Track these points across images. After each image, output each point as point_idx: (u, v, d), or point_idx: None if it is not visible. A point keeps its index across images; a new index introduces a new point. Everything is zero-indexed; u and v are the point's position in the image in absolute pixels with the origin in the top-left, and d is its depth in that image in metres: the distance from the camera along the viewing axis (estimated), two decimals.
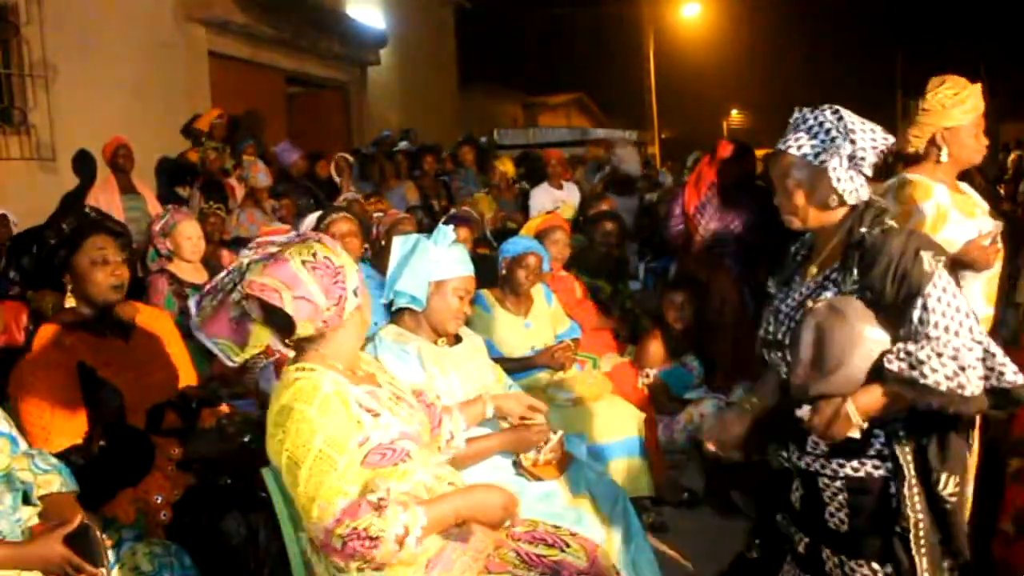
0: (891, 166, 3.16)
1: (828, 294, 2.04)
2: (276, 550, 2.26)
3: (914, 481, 1.96)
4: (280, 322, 1.87)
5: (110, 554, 2.04)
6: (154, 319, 2.76)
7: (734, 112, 39.75)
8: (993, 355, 1.88)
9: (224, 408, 2.75)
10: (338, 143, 9.55)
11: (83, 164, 6.57)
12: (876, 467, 2.00)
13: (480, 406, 2.44)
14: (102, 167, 6.43)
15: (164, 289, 3.97)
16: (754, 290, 4.74)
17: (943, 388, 1.86)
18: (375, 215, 4.65)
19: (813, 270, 2.11)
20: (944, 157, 2.72)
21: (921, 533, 1.95)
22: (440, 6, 14.78)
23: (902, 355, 1.89)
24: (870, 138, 2.01)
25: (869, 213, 2.02)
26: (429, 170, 8.02)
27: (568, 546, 2.07)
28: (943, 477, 1.94)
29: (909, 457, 1.97)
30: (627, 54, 24.28)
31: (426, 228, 4.53)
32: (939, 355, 1.87)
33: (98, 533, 1.93)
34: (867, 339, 1.92)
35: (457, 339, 2.81)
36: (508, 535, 2.07)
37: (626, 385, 3.91)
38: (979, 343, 1.88)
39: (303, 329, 1.86)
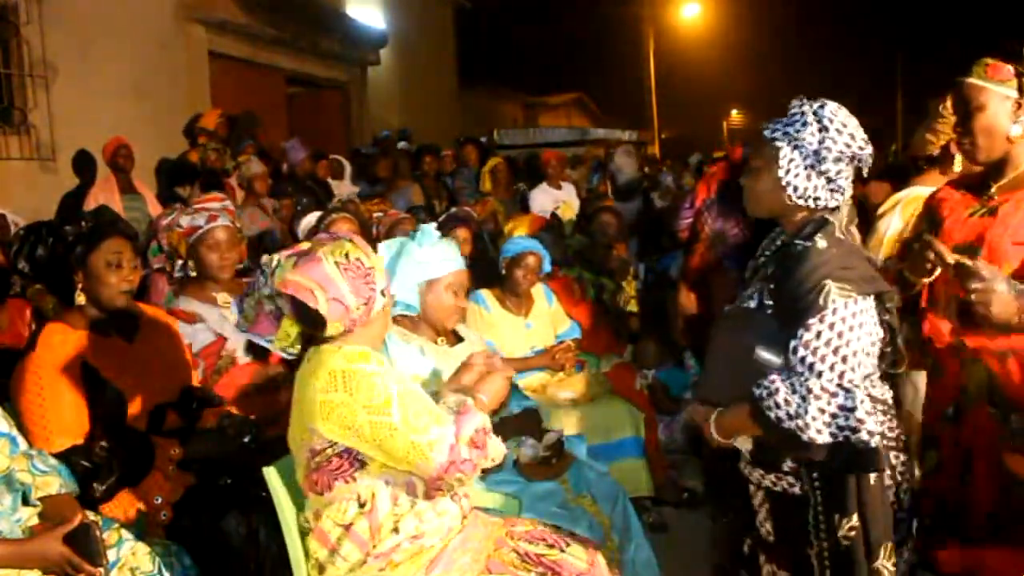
0: (903, 166, 3.15)
1: (752, 303, 1.98)
2: (276, 550, 2.26)
3: (820, 508, 1.89)
4: (311, 320, 1.89)
5: (110, 554, 2.04)
6: (157, 319, 2.76)
7: (734, 112, 39.74)
8: (853, 409, 1.78)
9: (224, 408, 2.75)
10: (338, 143, 9.55)
11: (83, 164, 6.58)
12: (791, 484, 1.93)
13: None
14: (102, 167, 6.43)
15: (164, 288, 3.96)
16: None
17: (784, 425, 1.80)
18: (375, 215, 4.65)
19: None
20: (957, 167, 2.67)
21: (827, 562, 1.88)
22: (440, 6, 14.78)
23: (766, 382, 1.84)
24: (843, 142, 1.88)
25: (814, 224, 1.92)
26: (429, 170, 8.02)
27: (568, 546, 2.07)
28: (835, 517, 1.86)
29: (817, 484, 1.89)
30: (627, 54, 24.30)
31: None
32: (791, 391, 1.80)
33: (98, 532, 1.93)
34: (755, 359, 1.86)
35: (458, 339, 2.82)
36: (508, 535, 2.07)
37: (626, 385, 3.91)
38: (844, 390, 1.79)
39: (332, 329, 1.89)
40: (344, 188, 7.40)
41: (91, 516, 2.03)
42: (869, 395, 1.84)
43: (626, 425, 3.61)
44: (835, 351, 1.79)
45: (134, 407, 2.48)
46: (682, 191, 7.34)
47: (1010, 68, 2.15)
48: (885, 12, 35.69)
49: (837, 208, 1.95)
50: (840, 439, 1.80)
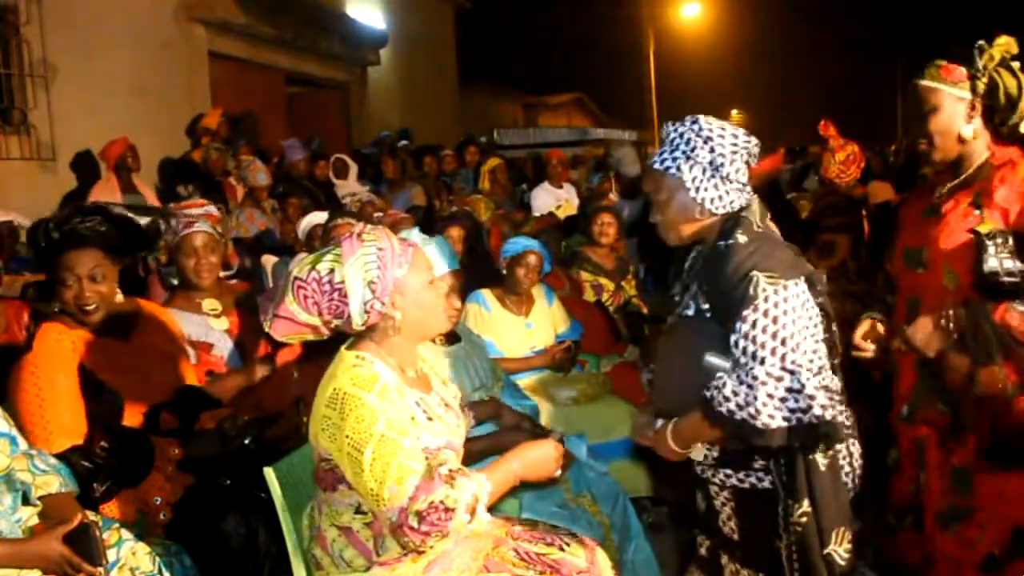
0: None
1: (690, 311, 2.01)
2: (276, 550, 2.26)
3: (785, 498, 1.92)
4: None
5: (110, 554, 2.04)
6: (155, 317, 2.75)
7: (734, 112, 39.72)
8: (801, 389, 1.80)
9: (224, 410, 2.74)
10: (338, 143, 9.55)
11: (84, 164, 6.58)
12: (760, 479, 1.96)
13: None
14: (102, 166, 6.43)
15: (161, 294, 3.94)
16: None
17: (736, 417, 1.82)
18: (375, 215, 4.65)
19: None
20: None
21: (794, 555, 1.91)
22: (440, 6, 14.76)
23: (715, 382, 1.86)
24: (730, 143, 1.96)
25: (731, 223, 1.97)
26: (430, 170, 8.02)
27: (567, 545, 2.07)
28: (789, 503, 1.90)
29: (784, 473, 1.92)
30: (627, 54, 24.29)
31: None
32: (738, 382, 1.82)
33: (98, 532, 1.93)
34: (704, 366, 1.89)
35: (456, 338, 2.81)
36: (507, 534, 2.07)
37: (626, 385, 3.90)
38: (789, 372, 1.81)
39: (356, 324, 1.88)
40: (348, 188, 7.39)
41: (91, 516, 2.03)
42: (824, 386, 1.85)
43: (626, 425, 3.60)
44: (773, 336, 1.83)
45: (130, 406, 2.47)
46: None
47: (963, 70, 2.19)
48: (885, 12, 35.68)
49: (748, 205, 2.00)
50: (793, 422, 1.81)
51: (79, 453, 2.29)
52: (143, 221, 2.67)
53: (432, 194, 7.63)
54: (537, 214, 6.56)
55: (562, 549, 2.05)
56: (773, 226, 2.05)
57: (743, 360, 1.85)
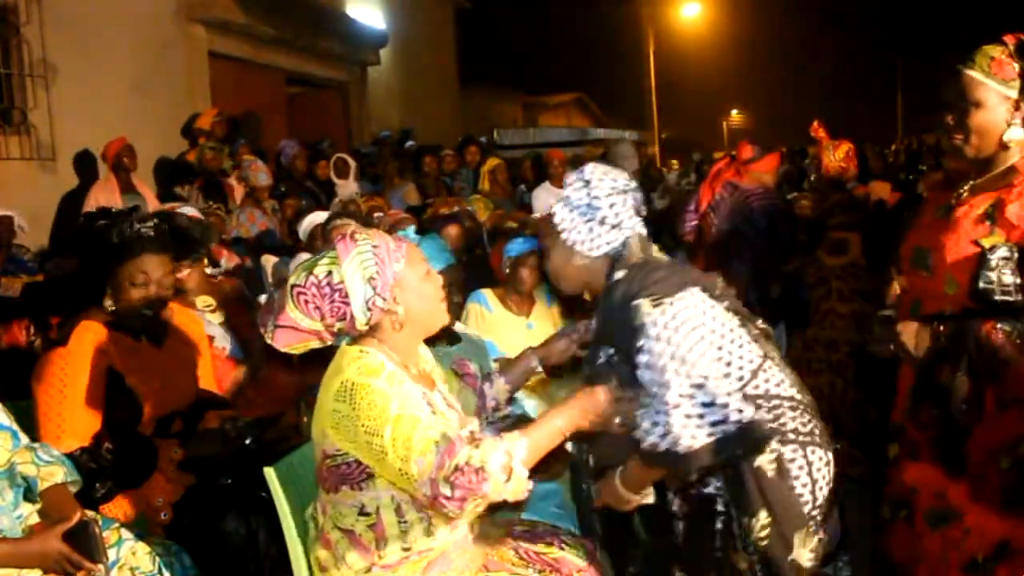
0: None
1: (601, 360, 1.97)
2: (276, 550, 2.26)
3: (736, 518, 1.87)
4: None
5: (110, 553, 2.04)
6: (187, 323, 2.75)
7: (734, 112, 39.78)
8: (713, 402, 1.73)
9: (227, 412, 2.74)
10: (338, 143, 9.55)
11: (84, 164, 6.59)
12: (712, 492, 1.90)
13: (523, 362, 2.36)
14: (102, 166, 6.43)
15: None
16: (760, 295, 4.74)
17: (661, 449, 1.75)
18: (375, 215, 4.65)
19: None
20: None
21: (759, 566, 1.86)
22: (440, 6, 14.77)
23: (636, 421, 1.80)
24: (608, 184, 1.97)
25: (609, 266, 1.96)
26: (430, 170, 8.02)
27: (567, 545, 2.07)
28: (745, 519, 1.84)
29: (729, 493, 1.87)
30: (627, 54, 24.31)
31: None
32: (655, 413, 1.76)
33: (97, 530, 1.93)
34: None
35: (456, 339, 2.81)
36: (508, 533, 2.07)
37: None
38: (698, 387, 1.75)
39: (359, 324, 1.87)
40: (349, 188, 7.39)
41: (91, 514, 2.03)
42: (751, 393, 1.81)
43: None
44: (672, 356, 1.78)
45: (152, 412, 2.47)
46: (684, 191, 7.34)
47: (1015, 66, 2.05)
48: (885, 12, 35.69)
49: (626, 243, 1.97)
50: (718, 434, 1.74)
51: (86, 454, 2.29)
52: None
53: (432, 194, 7.63)
54: (538, 214, 6.56)
55: (562, 548, 2.05)
56: (659, 254, 2.02)
57: (653, 390, 1.79)
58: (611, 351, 1.94)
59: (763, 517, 1.83)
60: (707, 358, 1.79)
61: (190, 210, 3.27)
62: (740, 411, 1.74)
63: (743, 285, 4.77)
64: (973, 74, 2.09)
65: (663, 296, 1.82)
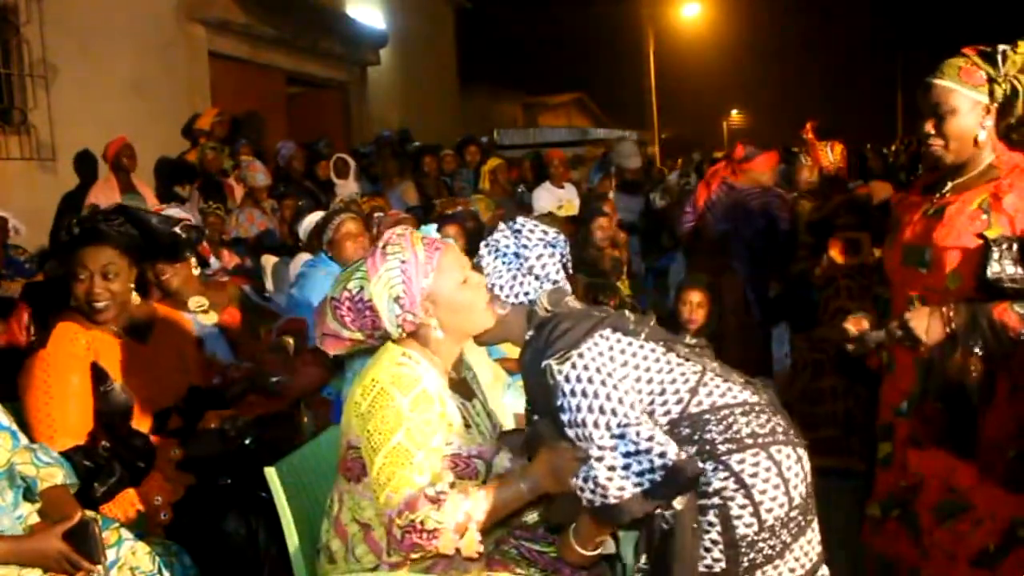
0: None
1: (536, 417, 1.95)
2: (276, 550, 2.26)
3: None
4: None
5: (109, 553, 2.04)
6: (171, 321, 2.75)
7: (734, 112, 39.76)
8: (637, 444, 1.69)
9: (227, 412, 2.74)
10: (338, 143, 9.55)
11: (85, 164, 6.59)
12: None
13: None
14: (102, 166, 6.43)
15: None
16: (759, 295, 4.75)
17: (597, 503, 1.70)
18: (376, 215, 4.64)
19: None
20: None
21: None
22: (440, 6, 14.77)
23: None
24: (537, 236, 1.96)
25: (524, 321, 1.94)
26: (430, 170, 8.01)
27: None
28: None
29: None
30: (627, 54, 24.30)
31: None
32: (585, 468, 1.72)
33: (97, 529, 1.93)
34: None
35: None
36: (510, 533, 2.06)
37: None
38: (619, 436, 1.70)
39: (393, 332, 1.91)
40: (349, 188, 7.39)
41: (90, 514, 2.03)
42: (694, 412, 1.79)
43: None
44: (590, 409, 1.74)
45: (141, 408, 2.47)
46: (685, 191, 7.34)
47: (982, 73, 2.16)
48: (885, 11, 35.69)
49: (538, 296, 1.95)
50: (646, 484, 1.68)
51: (81, 452, 2.29)
52: (176, 228, 2.67)
53: (432, 194, 7.62)
54: (538, 214, 6.56)
55: None
56: (572, 303, 1.97)
57: (581, 446, 1.76)
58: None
59: (642, 562, 1.84)
60: (626, 401, 1.76)
61: (177, 211, 3.23)
62: (663, 455, 1.68)
63: (741, 285, 4.78)
64: (944, 83, 2.20)
65: (569, 350, 1.79)
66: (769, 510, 1.77)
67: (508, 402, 3.09)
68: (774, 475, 1.78)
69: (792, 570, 1.81)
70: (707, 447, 1.78)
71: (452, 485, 1.80)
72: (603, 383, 1.76)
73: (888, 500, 2.36)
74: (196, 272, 3.23)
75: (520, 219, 2.02)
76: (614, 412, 1.73)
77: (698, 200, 5.00)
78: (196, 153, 7.00)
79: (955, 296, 2.16)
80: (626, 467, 1.69)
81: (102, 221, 2.46)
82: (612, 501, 1.68)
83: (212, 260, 4.42)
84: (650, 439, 1.69)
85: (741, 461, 1.77)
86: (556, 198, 6.87)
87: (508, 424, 2.66)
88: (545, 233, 1.98)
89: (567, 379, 1.77)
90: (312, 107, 11.04)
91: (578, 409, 1.75)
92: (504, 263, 1.96)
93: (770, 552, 1.78)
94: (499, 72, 19.52)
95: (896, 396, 2.36)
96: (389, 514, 1.76)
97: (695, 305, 3.97)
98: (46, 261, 5.16)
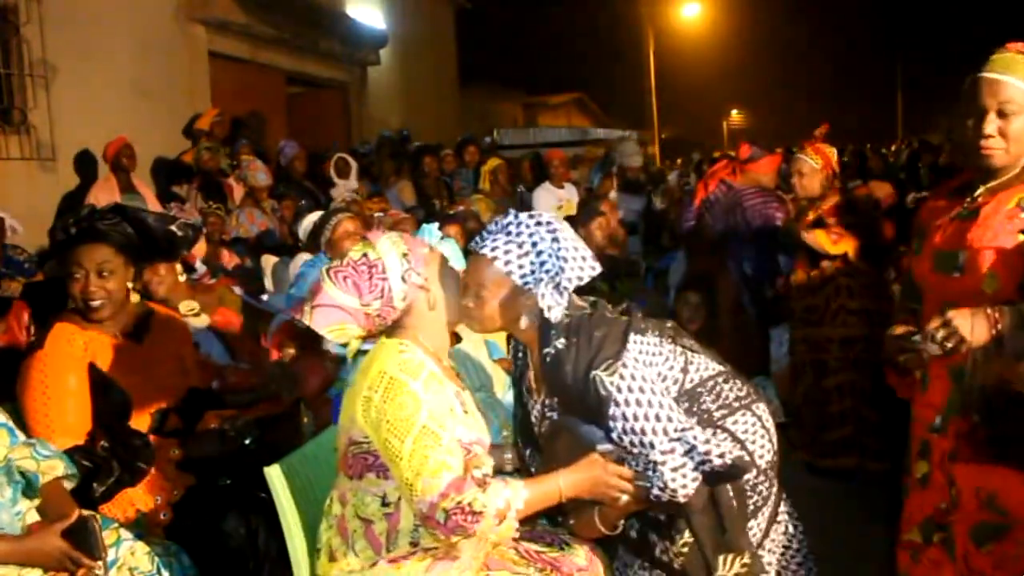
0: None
1: (555, 414, 2.03)
2: (276, 550, 2.26)
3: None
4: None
5: (109, 553, 2.04)
6: (168, 321, 2.75)
7: (734, 112, 39.77)
8: (693, 447, 1.88)
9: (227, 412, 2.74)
10: (338, 143, 9.55)
11: (85, 164, 6.59)
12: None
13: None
14: (102, 166, 6.44)
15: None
16: (754, 295, 4.74)
17: (664, 499, 1.90)
18: (376, 215, 4.64)
19: (536, 387, 2.10)
20: None
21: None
22: (440, 6, 14.77)
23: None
24: (578, 267, 1.95)
25: (544, 328, 1.96)
26: (430, 170, 8.01)
27: (567, 544, 2.07)
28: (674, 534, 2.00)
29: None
30: (627, 54, 24.34)
31: None
32: (646, 470, 1.89)
33: (96, 526, 1.93)
34: (600, 455, 1.91)
35: (457, 338, 2.81)
36: None
37: None
38: (677, 440, 1.88)
39: (366, 332, 1.96)
40: (349, 187, 7.39)
41: (89, 513, 2.03)
42: (688, 388, 2.00)
43: None
44: (646, 417, 1.87)
45: (139, 409, 2.47)
46: (685, 191, 7.34)
47: None
48: (885, 12, 35.69)
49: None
50: (705, 471, 1.91)
51: (80, 452, 2.29)
52: (174, 227, 2.65)
53: (431, 194, 7.62)
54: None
55: (562, 548, 2.05)
56: (576, 299, 2.03)
57: (636, 451, 1.89)
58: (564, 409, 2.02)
59: (686, 535, 1.98)
60: (668, 401, 1.92)
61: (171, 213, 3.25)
62: (722, 455, 1.92)
63: (738, 285, 4.78)
64: (1011, 81, 2.04)
65: (614, 361, 1.88)
66: (761, 456, 2.04)
67: (508, 402, 3.09)
68: (759, 427, 2.05)
69: (776, 513, 2.11)
70: (705, 416, 2.00)
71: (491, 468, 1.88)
72: (653, 391, 1.89)
73: (926, 523, 2.20)
74: (182, 279, 3.23)
75: (564, 237, 1.99)
76: (669, 419, 1.89)
77: (696, 198, 5.00)
78: (193, 153, 7.00)
79: (992, 301, 2.02)
80: (684, 466, 1.88)
81: (98, 220, 2.46)
82: (681, 498, 1.89)
83: (198, 264, 4.39)
84: (707, 441, 1.91)
85: (735, 423, 2.02)
86: (556, 198, 6.87)
87: (508, 424, 2.66)
88: (584, 262, 2.00)
89: (619, 390, 1.87)
90: (312, 107, 11.04)
91: (635, 418, 1.87)
92: (549, 288, 1.92)
93: (766, 494, 2.06)
94: (499, 72, 19.54)
95: (930, 412, 2.20)
96: (431, 500, 1.75)
97: (695, 305, 3.98)
98: (46, 261, 5.17)
